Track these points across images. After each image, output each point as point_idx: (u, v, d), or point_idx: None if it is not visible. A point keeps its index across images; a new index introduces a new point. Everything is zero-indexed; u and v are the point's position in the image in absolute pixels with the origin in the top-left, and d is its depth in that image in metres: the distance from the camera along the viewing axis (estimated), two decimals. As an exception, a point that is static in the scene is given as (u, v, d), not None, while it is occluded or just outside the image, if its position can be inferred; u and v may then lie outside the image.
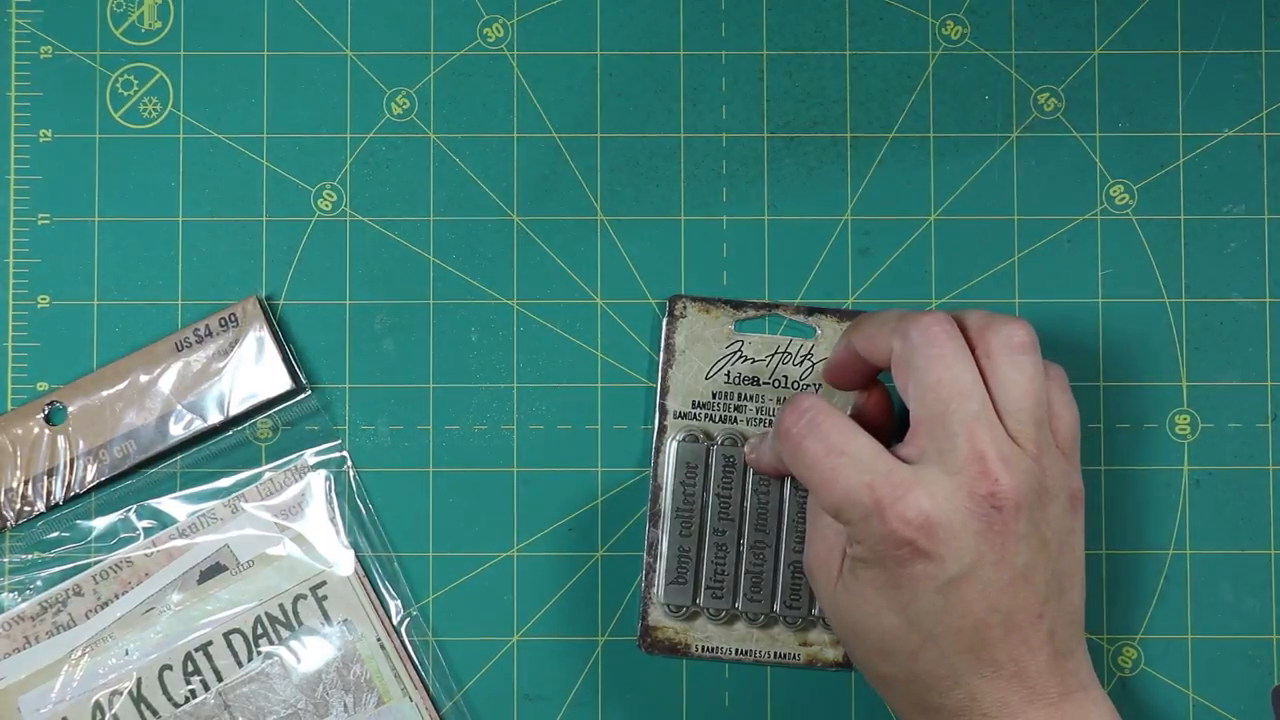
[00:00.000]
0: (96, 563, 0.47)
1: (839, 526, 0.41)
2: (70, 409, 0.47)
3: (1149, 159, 0.49)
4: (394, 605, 0.48)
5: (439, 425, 0.48)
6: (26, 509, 0.47)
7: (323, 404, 0.48)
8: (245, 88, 0.49)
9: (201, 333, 0.48)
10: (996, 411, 0.39)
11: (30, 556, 0.48)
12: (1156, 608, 0.48)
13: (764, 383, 0.48)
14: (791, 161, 0.49)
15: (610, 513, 0.48)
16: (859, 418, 0.45)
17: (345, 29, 0.49)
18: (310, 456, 0.48)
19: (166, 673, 0.47)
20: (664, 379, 0.48)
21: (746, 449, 0.47)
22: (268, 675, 0.47)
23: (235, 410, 0.47)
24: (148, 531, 0.48)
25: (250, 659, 0.47)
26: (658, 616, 0.47)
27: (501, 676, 0.48)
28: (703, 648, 0.47)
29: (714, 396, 0.48)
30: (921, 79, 0.49)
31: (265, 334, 0.48)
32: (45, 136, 0.49)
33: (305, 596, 0.47)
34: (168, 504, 0.48)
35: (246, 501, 0.48)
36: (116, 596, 0.47)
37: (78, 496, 0.48)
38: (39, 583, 0.47)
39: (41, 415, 0.47)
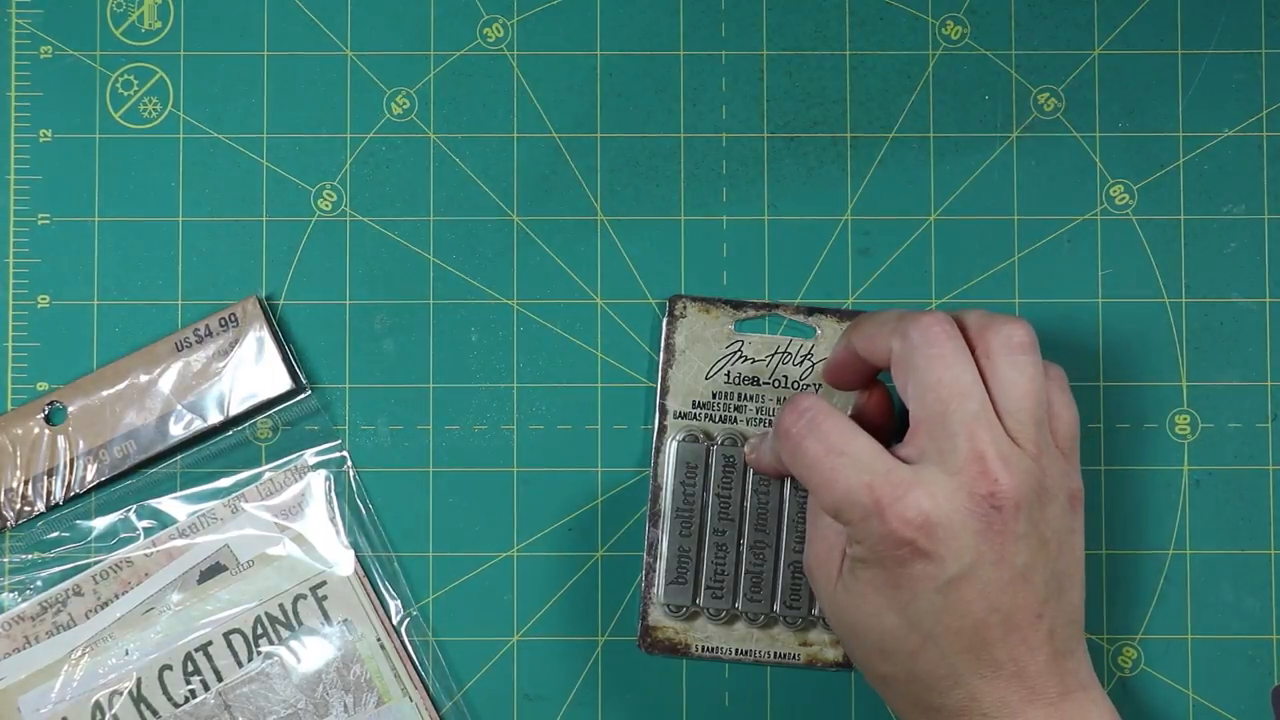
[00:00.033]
0: (96, 563, 0.47)
1: (839, 526, 0.41)
2: (70, 409, 0.47)
3: (1149, 159, 0.49)
4: (394, 605, 0.48)
5: (439, 425, 0.48)
6: (26, 509, 0.47)
7: (323, 404, 0.48)
8: (245, 88, 0.49)
9: (201, 333, 0.48)
10: (996, 411, 0.39)
11: (30, 556, 0.48)
12: (1156, 608, 0.48)
13: (764, 383, 0.48)
14: (791, 161, 0.49)
15: (610, 513, 0.48)
16: (859, 418, 0.45)
17: (345, 29, 0.49)
18: (310, 456, 0.48)
19: (166, 673, 0.47)
20: (664, 379, 0.48)
21: (746, 449, 0.47)
22: (268, 675, 0.47)
23: (235, 410, 0.47)
24: (148, 531, 0.48)
25: (250, 659, 0.47)
26: (658, 616, 0.47)
27: (501, 676, 0.48)
28: (703, 648, 0.47)
29: (714, 396, 0.48)
30: (921, 79, 0.49)
31: (265, 334, 0.48)
32: (45, 136, 0.49)
33: (305, 596, 0.47)
34: (168, 504, 0.48)
35: (246, 501, 0.48)
36: (116, 596, 0.47)
37: (78, 496, 0.48)
38: (39, 583, 0.47)
39: (41, 415, 0.47)
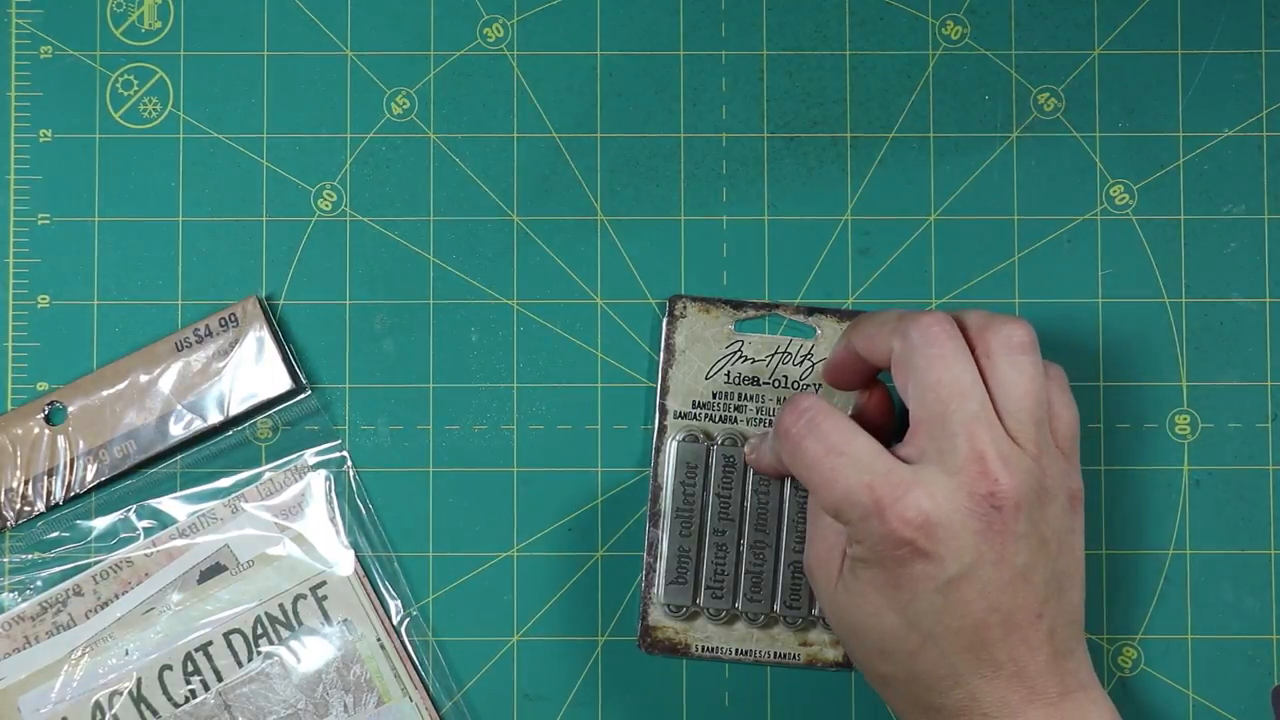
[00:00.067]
0: (96, 563, 0.47)
1: (839, 526, 0.41)
2: (70, 409, 0.47)
3: (1149, 159, 0.49)
4: (394, 605, 0.48)
5: (439, 425, 0.48)
6: (26, 509, 0.47)
7: (323, 404, 0.48)
8: (245, 88, 0.49)
9: (201, 333, 0.48)
10: (996, 411, 0.39)
11: (30, 556, 0.48)
12: (1156, 608, 0.48)
13: (764, 383, 0.48)
14: (791, 161, 0.49)
15: (610, 513, 0.48)
16: (859, 418, 0.45)
17: (345, 29, 0.49)
18: (310, 456, 0.48)
19: (166, 673, 0.47)
20: (664, 379, 0.48)
21: (746, 449, 0.47)
22: (268, 675, 0.47)
23: (235, 410, 0.47)
24: (148, 531, 0.48)
25: (250, 659, 0.47)
26: (658, 616, 0.47)
27: (501, 676, 0.48)
28: (703, 648, 0.47)
29: (714, 396, 0.48)
30: (921, 79, 0.49)
31: (265, 334, 0.48)
32: (45, 136, 0.49)
33: (305, 596, 0.47)
34: (168, 504, 0.48)
35: (246, 501, 0.48)
36: (116, 596, 0.47)
37: (78, 496, 0.48)
38: (39, 583, 0.47)
39: (41, 415, 0.47)
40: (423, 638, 0.48)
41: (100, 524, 0.48)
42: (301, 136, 0.49)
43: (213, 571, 0.47)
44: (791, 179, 0.49)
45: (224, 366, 0.48)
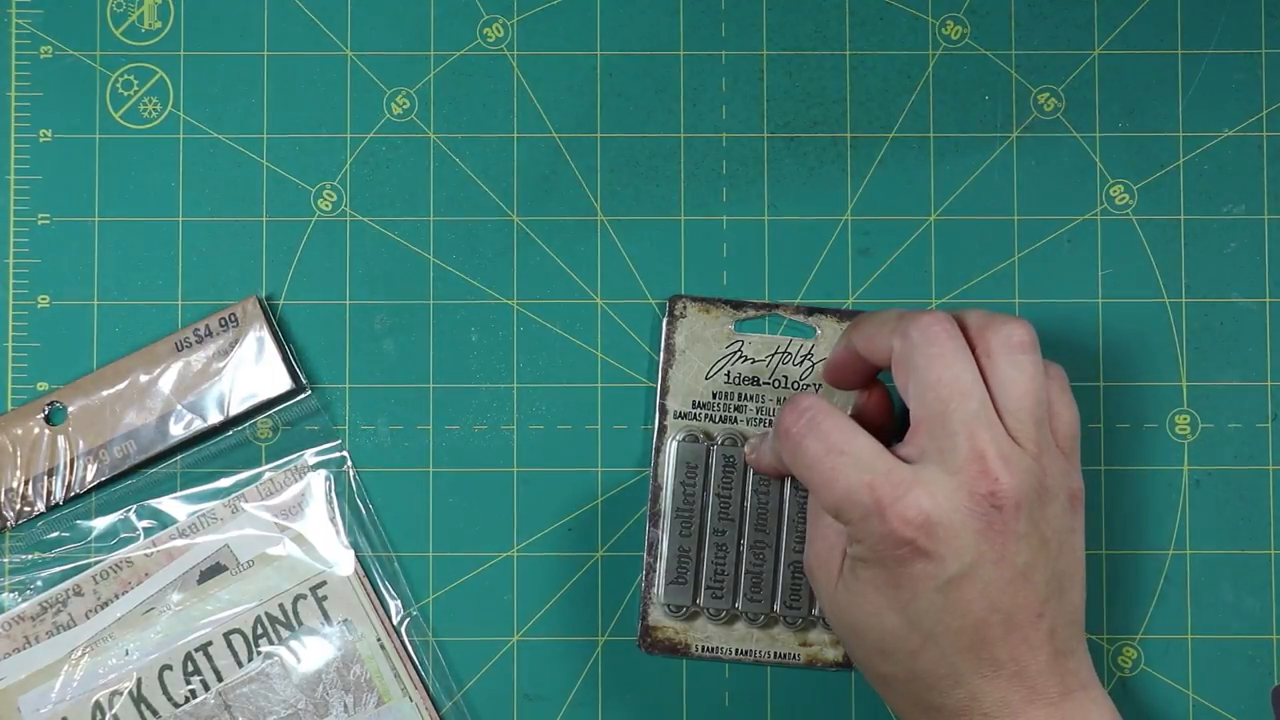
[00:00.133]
0: (96, 563, 0.47)
1: (839, 526, 0.41)
2: (70, 409, 0.47)
3: (1149, 159, 0.49)
4: (394, 605, 0.48)
5: (439, 425, 0.48)
6: (26, 509, 0.47)
7: (323, 404, 0.48)
8: (245, 88, 0.49)
9: (201, 333, 0.48)
10: (996, 411, 0.39)
11: (30, 556, 0.48)
12: (1156, 608, 0.48)
13: (764, 383, 0.48)
14: (791, 161, 0.49)
15: (610, 513, 0.48)
16: (859, 417, 0.45)
17: (345, 29, 0.49)
18: (310, 456, 0.48)
19: (166, 673, 0.47)
20: (664, 379, 0.48)
21: (746, 449, 0.47)
22: (268, 675, 0.47)
23: (235, 410, 0.47)
24: (148, 531, 0.48)
25: (250, 659, 0.47)
26: (658, 616, 0.47)
27: (501, 676, 0.48)
28: (703, 648, 0.47)
29: (714, 396, 0.48)
30: (921, 79, 0.49)
31: (265, 334, 0.48)
32: (45, 136, 0.49)
33: (305, 596, 0.47)
34: (168, 504, 0.48)
35: (246, 501, 0.48)
36: (116, 596, 0.47)
37: (78, 496, 0.48)
38: (39, 583, 0.47)
39: (41, 415, 0.47)
40: (423, 638, 0.48)
41: (100, 524, 0.48)
42: (301, 136, 0.49)
43: (213, 571, 0.47)
44: (791, 179, 0.49)
45: (224, 366, 0.48)
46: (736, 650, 0.47)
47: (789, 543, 0.47)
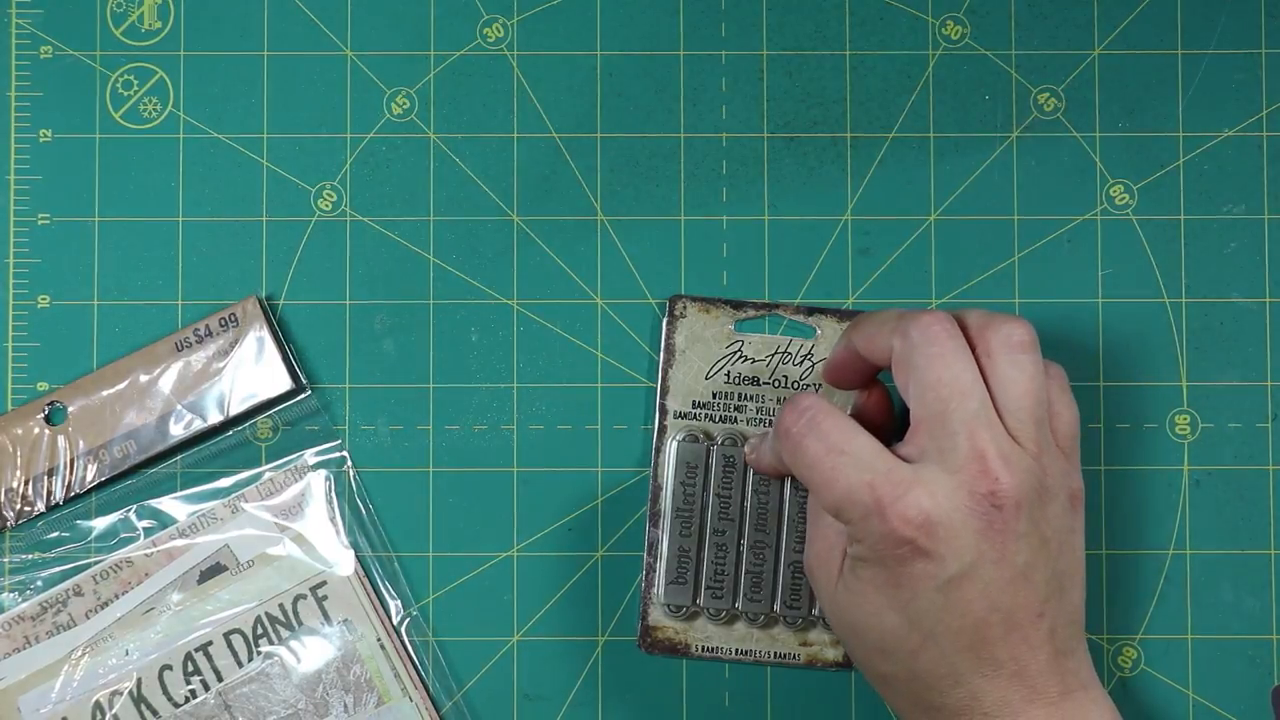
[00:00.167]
0: (96, 563, 0.47)
1: (839, 526, 0.41)
2: (70, 409, 0.47)
3: (1149, 159, 0.49)
4: (394, 605, 0.48)
5: (439, 425, 0.48)
6: (26, 509, 0.47)
7: (323, 404, 0.48)
8: (245, 88, 0.49)
9: (201, 333, 0.48)
10: (997, 410, 0.39)
11: (30, 556, 0.48)
12: (1156, 608, 0.48)
13: (764, 383, 0.48)
14: (791, 161, 0.49)
15: (610, 513, 0.48)
16: (859, 417, 0.45)
17: (345, 29, 0.49)
18: (310, 456, 0.48)
19: (166, 673, 0.47)
20: (664, 379, 0.48)
21: (746, 449, 0.47)
22: (268, 675, 0.47)
23: (235, 410, 0.47)
24: (148, 531, 0.48)
25: (250, 659, 0.47)
26: (658, 616, 0.47)
27: (501, 676, 0.48)
28: (703, 648, 0.47)
29: (714, 396, 0.48)
30: (921, 79, 0.49)
31: (265, 334, 0.48)
32: (45, 136, 0.49)
33: (305, 596, 0.47)
34: (168, 504, 0.48)
35: (246, 501, 0.48)
36: (116, 596, 0.47)
37: (78, 496, 0.47)
38: (39, 583, 0.47)
39: (41, 415, 0.47)
40: (423, 638, 0.48)
41: (100, 524, 0.48)
42: (301, 136, 0.49)
43: (213, 571, 0.47)
44: (791, 179, 0.49)
45: (224, 366, 0.48)
46: (736, 650, 0.47)
47: (789, 543, 0.47)
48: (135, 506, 0.48)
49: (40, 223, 0.49)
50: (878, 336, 0.42)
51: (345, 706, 0.47)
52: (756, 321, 0.48)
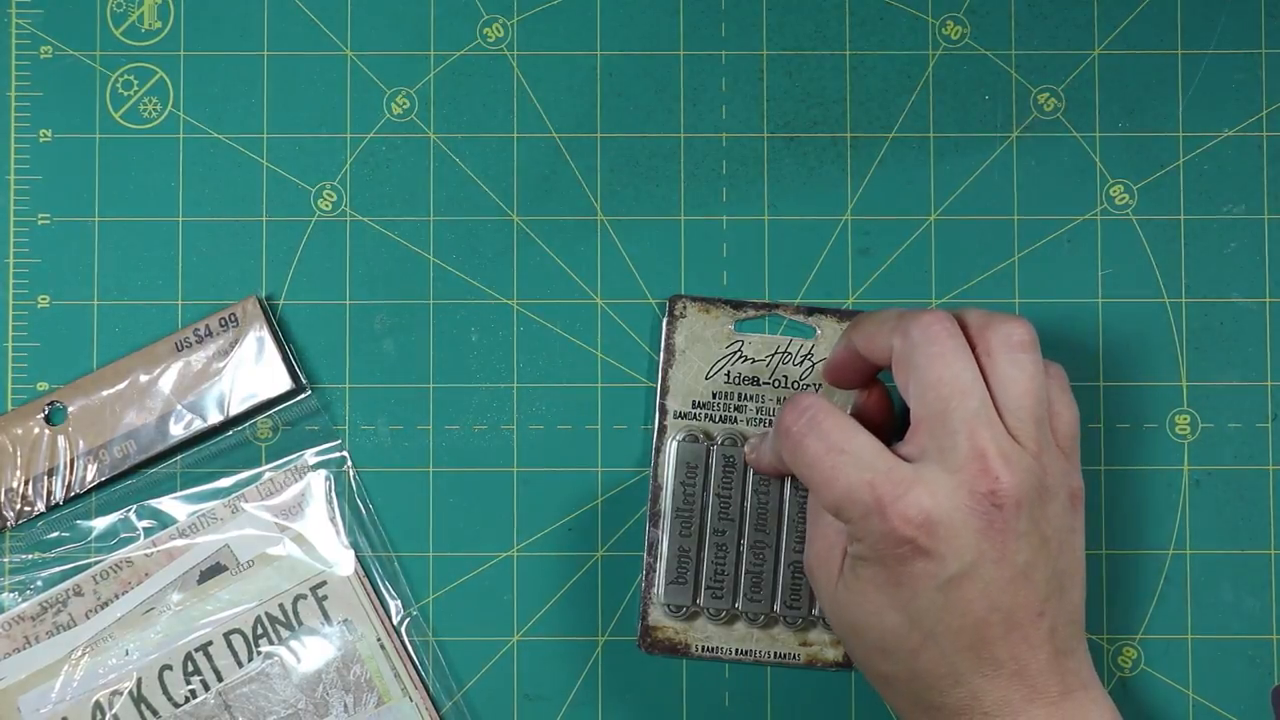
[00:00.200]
0: (96, 563, 0.47)
1: (839, 525, 0.41)
2: (70, 409, 0.47)
3: (1149, 159, 0.49)
4: (394, 605, 0.48)
5: (439, 425, 0.48)
6: (26, 509, 0.47)
7: (323, 404, 0.48)
8: (245, 88, 0.49)
9: (201, 333, 0.48)
10: (997, 409, 0.39)
11: (30, 556, 0.48)
12: (1156, 608, 0.48)
13: (764, 383, 0.48)
14: (791, 161, 0.49)
15: (610, 513, 0.48)
16: (859, 416, 0.45)
17: (345, 29, 0.49)
18: (310, 456, 0.48)
19: (166, 673, 0.47)
20: (664, 379, 0.48)
21: (746, 449, 0.47)
22: (268, 675, 0.47)
23: (235, 410, 0.47)
24: (148, 531, 0.48)
25: (250, 659, 0.47)
26: (658, 616, 0.47)
27: (501, 676, 0.48)
28: (703, 648, 0.47)
29: (714, 396, 0.48)
30: (921, 79, 0.49)
31: (265, 334, 0.48)
32: (45, 136, 0.49)
33: (305, 596, 0.47)
34: (168, 504, 0.48)
35: (246, 501, 0.48)
36: (116, 596, 0.47)
37: (78, 496, 0.47)
38: (39, 583, 0.47)
39: (41, 415, 0.47)
40: (423, 638, 0.48)
41: (100, 524, 0.48)
42: (301, 136, 0.49)
43: (213, 571, 0.47)
44: (791, 179, 0.49)
45: (224, 366, 0.48)
46: (736, 650, 0.47)
47: (789, 543, 0.47)
48: (135, 506, 0.48)
49: (40, 223, 0.49)
50: (878, 336, 0.42)
51: (345, 706, 0.47)
52: (756, 321, 0.48)
